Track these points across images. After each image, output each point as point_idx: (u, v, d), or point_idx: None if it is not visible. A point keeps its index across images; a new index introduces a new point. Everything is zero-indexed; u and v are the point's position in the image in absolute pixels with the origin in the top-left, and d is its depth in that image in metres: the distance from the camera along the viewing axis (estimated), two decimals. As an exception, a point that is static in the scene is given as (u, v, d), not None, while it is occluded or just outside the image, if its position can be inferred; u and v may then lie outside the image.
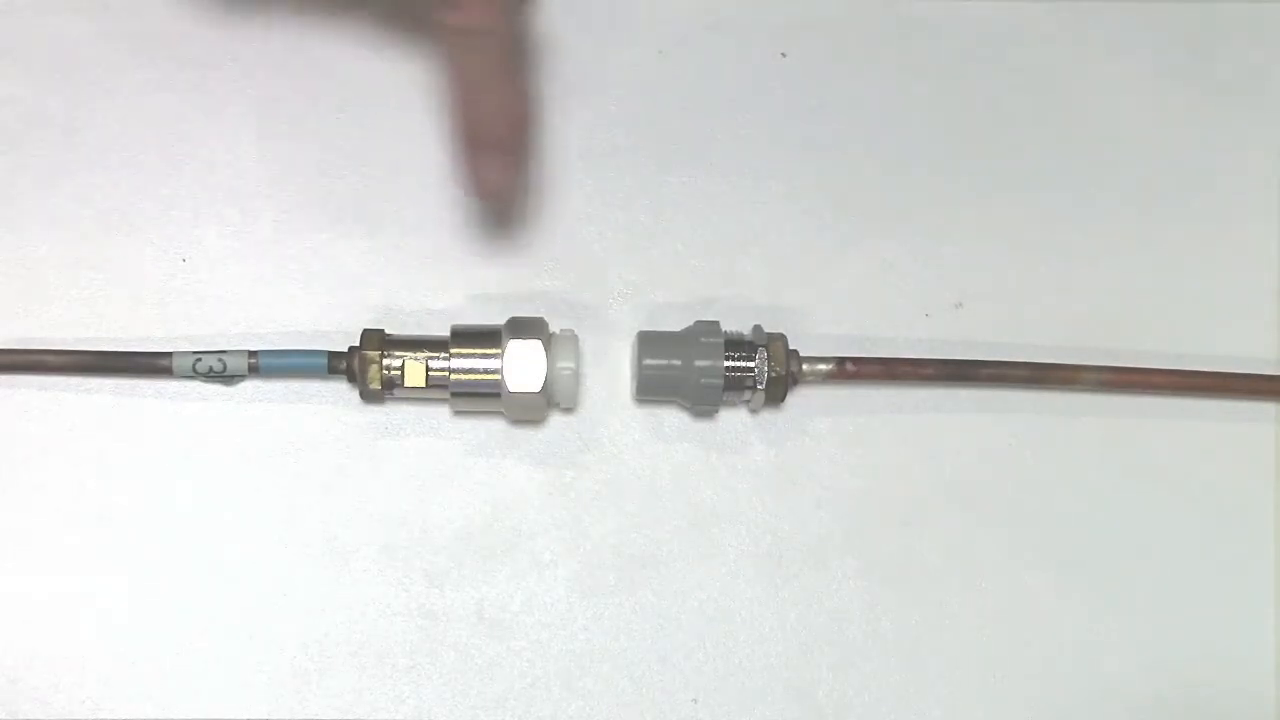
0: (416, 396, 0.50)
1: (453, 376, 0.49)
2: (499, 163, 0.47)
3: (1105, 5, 0.56)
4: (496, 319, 0.50)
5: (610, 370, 0.52)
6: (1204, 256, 0.54)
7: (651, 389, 0.50)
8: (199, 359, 0.50)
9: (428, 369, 0.49)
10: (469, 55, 0.46)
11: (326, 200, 0.52)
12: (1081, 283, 0.54)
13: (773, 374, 0.50)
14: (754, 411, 0.52)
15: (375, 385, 0.49)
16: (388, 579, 0.50)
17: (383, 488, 0.51)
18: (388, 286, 0.52)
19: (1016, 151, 0.54)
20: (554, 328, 0.50)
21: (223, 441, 0.51)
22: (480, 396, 0.49)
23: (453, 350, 0.49)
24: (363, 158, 0.53)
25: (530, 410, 0.50)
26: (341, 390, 0.51)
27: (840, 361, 0.51)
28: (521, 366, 0.49)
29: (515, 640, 0.50)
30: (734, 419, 0.52)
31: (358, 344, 0.49)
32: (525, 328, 0.49)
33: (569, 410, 0.51)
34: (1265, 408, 0.53)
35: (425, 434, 0.51)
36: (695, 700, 0.50)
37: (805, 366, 0.51)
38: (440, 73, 0.47)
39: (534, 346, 0.49)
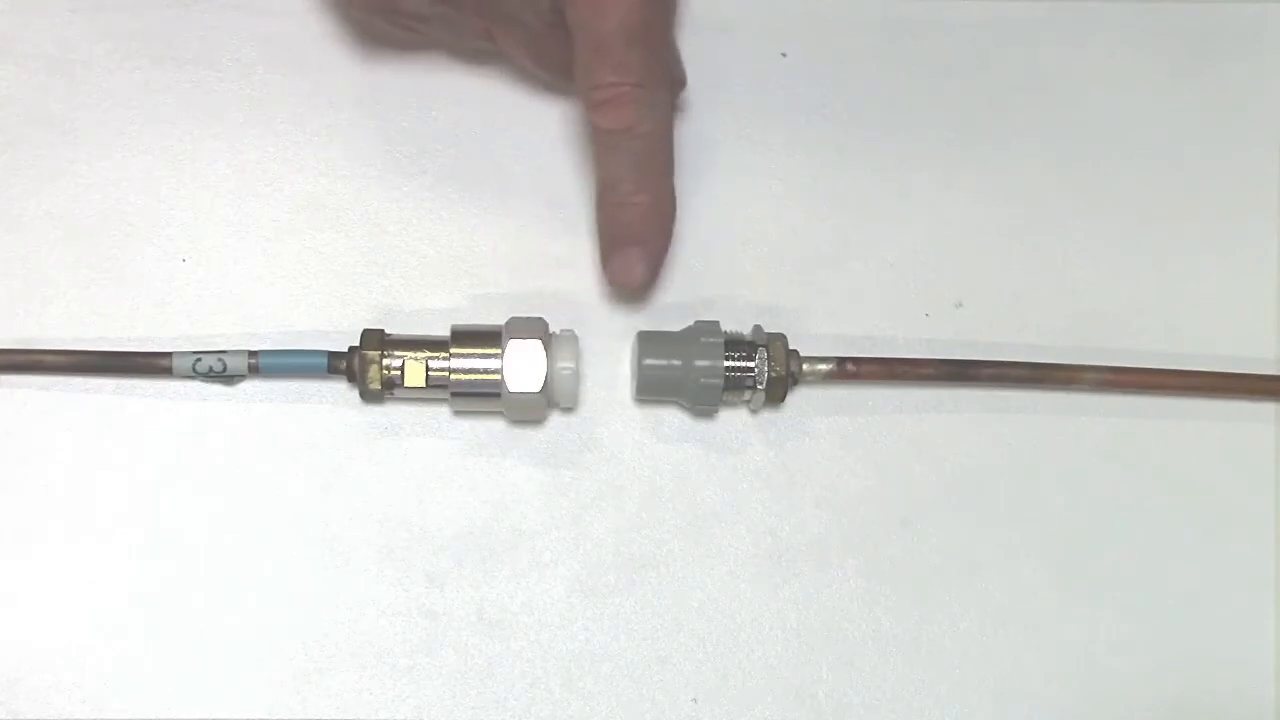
0: (416, 396, 0.50)
1: (453, 376, 0.49)
2: (640, 259, 0.49)
3: (1105, 5, 0.56)
4: (496, 319, 0.50)
5: (610, 370, 0.52)
6: (1204, 256, 0.54)
7: (651, 389, 0.50)
8: (199, 359, 0.50)
9: (428, 369, 0.49)
10: (615, 155, 0.47)
11: (326, 200, 0.52)
12: (1081, 283, 0.54)
13: (773, 374, 0.50)
14: (754, 411, 0.52)
15: (375, 385, 0.49)
16: (388, 579, 0.50)
17: (383, 488, 0.51)
18: (388, 286, 0.52)
19: (1016, 151, 0.54)
20: (554, 328, 0.50)
21: (223, 441, 0.51)
22: (480, 396, 0.49)
23: (453, 350, 0.49)
24: (363, 158, 0.53)
25: (530, 410, 0.50)
26: (341, 390, 0.51)
27: (840, 361, 0.51)
28: (521, 366, 0.49)
29: (515, 640, 0.50)
30: (734, 419, 0.52)
31: (358, 344, 0.49)
32: (525, 328, 0.49)
33: (569, 410, 0.51)
34: (1265, 408, 0.53)
35: (425, 434, 0.51)
36: (695, 700, 0.50)
37: (805, 366, 0.51)
38: (588, 170, 0.49)
39: (534, 346, 0.49)
